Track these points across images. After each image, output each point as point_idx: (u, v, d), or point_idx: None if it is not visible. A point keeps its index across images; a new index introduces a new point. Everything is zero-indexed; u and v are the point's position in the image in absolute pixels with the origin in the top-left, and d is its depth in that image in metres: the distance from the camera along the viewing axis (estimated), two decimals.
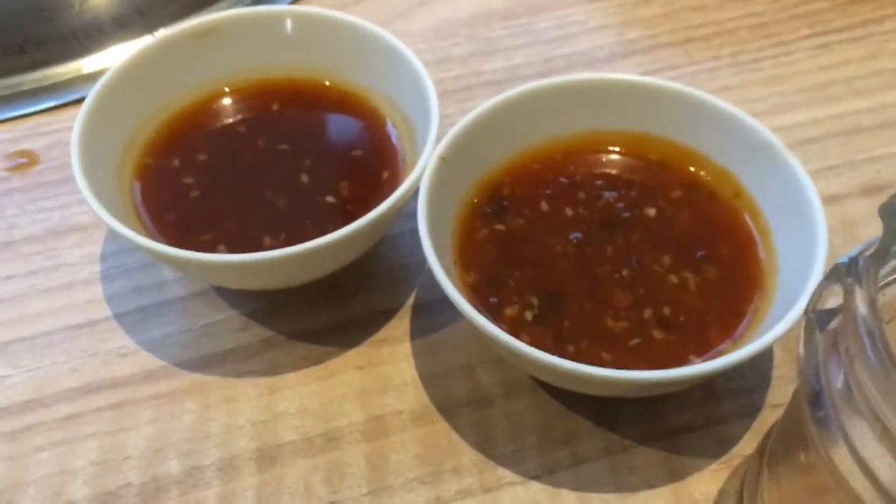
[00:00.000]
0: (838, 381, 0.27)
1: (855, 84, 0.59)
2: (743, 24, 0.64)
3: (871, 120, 0.56)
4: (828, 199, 0.52)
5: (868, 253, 0.28)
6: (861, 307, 0.26)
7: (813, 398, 0.28)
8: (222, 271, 0.42)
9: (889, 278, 0.32)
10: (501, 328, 0.40)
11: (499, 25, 0.65)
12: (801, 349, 0.29)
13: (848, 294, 0.26)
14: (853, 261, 0.27)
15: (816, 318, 0.28)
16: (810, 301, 0.29)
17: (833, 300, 0.29)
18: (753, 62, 0.61)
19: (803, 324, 0.29)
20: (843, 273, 0.28)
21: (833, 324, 0.28)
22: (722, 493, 0.40)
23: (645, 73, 0.61)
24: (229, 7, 0.65)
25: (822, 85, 0.59)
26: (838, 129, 0.56)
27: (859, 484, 0.27)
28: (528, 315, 0.41)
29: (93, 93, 0.47)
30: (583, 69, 0.61)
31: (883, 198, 0.52)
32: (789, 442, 0.34)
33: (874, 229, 0.50)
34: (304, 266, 0.43)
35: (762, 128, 0.44)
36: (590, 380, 0.36)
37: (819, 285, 0.30)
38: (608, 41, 0.63)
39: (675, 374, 0.36)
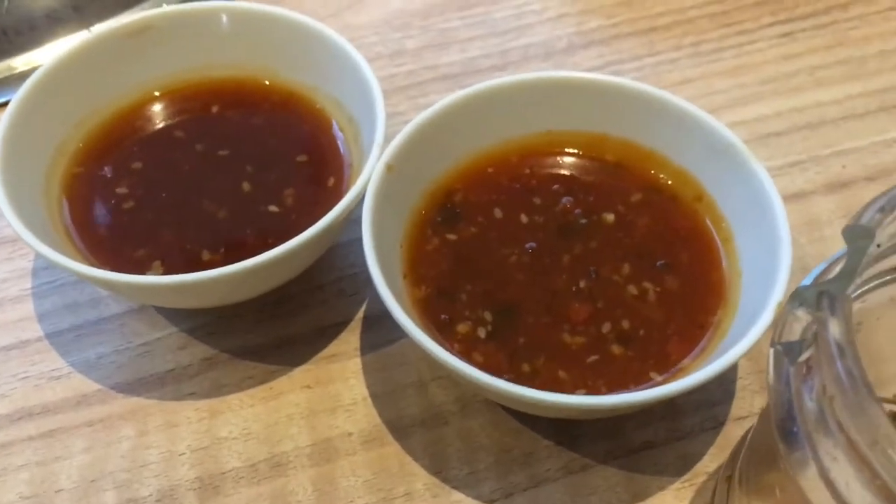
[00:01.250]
0: (811, 413, 0.26)
1: (819, 74, 0.57)
2: (705, 11, 0.62)
3: (835, 112, 0.55)
4: (792, 197, 0.50)
5: (833, 276, 0.27)
6: (837, 340, 0.24)
7: (785, 428, 0.27)
8: (157, 293, 0.40)
9: (856, 293, 0.30)
10: (453, 347, 0.38)
11: (454, 16, 0.62)
12: (772, 379, 0.27)
13: (821, 326, 0.25)
14: (821, 292, 0.25)
15: (784, 349, 0.27)
16: (776, 331, 0.28)
17: (797, 326, 0.28)
18: (715, 52, 0.59)
19: (771, 356, 0.27)
20: (807, 299, 0.26)
21: (804, 355, 0.27)
22: None
23: (605, 65, 0.59)
24: (166, 3, 0.62)
25: (786, 75, 0.57)
26: (802, 123, 0.54)
27: None
28: (482, 332, 0.39)
29: (17, 97, 0.44)
30: (541, 61, 0.59)
31: (849, 194, 0.50)
32: (760, 465, 0.33)
33: (839, 227, 0.49)
34: (244, 284, 0.40)
35: (723, 128, 0.42)
36: (543, 405, 0.34)
37: (783, 312, 0.28)
38: (567, 31, 0.61)
39: (633, 399, 0.34)
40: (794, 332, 0.27)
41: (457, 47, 0.60)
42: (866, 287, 0.30)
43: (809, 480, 0.26)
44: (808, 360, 0.27)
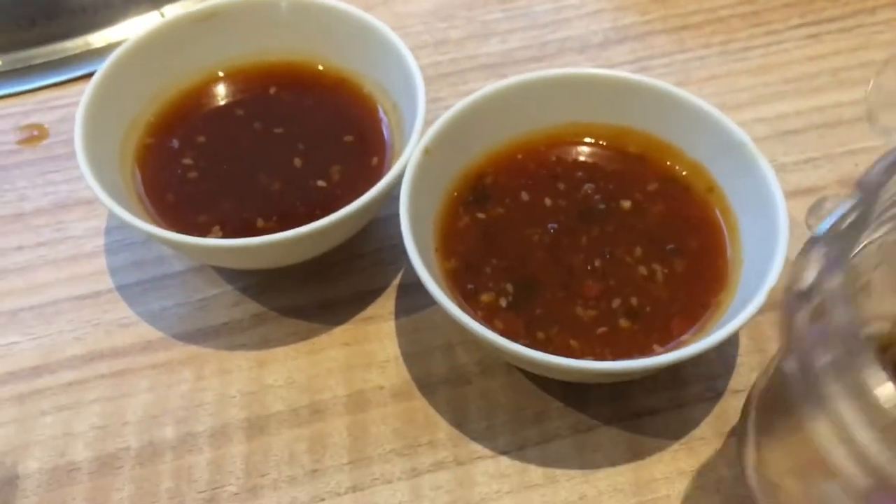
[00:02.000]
0: (817, 358, 0.26)
1: (841, 75, 0.60)
2: (736, 11, 0.65)
3: (852, 112, 0.58)
4: (805, 191, 0.54)
5: (845, 226, 0.29)
6: (834, 290, 0.26)
7: (797, 371, 0.27)
8: (216, 254, 0.45)
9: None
10: (476, 314, 0.43)
11: (497, 8, 0.66)
12: (785, 323, 0.28)
13: (824, 275, 0.26)
14: (830, 238, 0.27)
15: (795, 295, 0.28)
16: (790, 277, 0.29)
17: (810, 273, 0.29)
18: (743, 51, 0.62)
19: (785, 302, 0.29)
20: (816, 247, 0.28)
21: (813, 301, 0.27)
22: (681, 472, 0.43)
23: (636, 60, 0.62)
24: None
25: (809, 76, 0.60)
26: (820, 122, 0.57)
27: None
28: (503, 302, 0.44)
29: (99, 72, 0.49)
30: (576, 54, 0.63)
31: None
32: (773, 412, 0.35)
33: None
34: (293, 249, 0.45)
35: (735, 127, 0.45)
36: (554, 367, 0.38)
37: (798, 259, 0.29)
38: (603, 26, 0.65)
39: (634, 365, 0.38)
40: (806, 279, 0.28)
41: (497, 38, 0.64)
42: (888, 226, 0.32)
43: (818, 425, 0.27)
44: (816, 306, 0.27)
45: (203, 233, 0.47)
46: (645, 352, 0.42)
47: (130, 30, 0.50)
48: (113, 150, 0.49)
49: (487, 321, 0.43)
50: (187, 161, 0.50)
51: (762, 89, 0.60)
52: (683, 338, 0.42)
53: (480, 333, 0.38)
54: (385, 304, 0.49)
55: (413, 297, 0.49)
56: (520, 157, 0.49)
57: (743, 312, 0.39)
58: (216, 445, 0.44)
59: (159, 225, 0.47)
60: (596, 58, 0.62)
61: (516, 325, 0.43)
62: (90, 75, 0.49)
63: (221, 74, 0.54)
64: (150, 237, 0.44)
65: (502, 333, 0.41)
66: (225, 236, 0.47)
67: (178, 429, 0.45)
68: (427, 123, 0.46)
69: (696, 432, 0.44)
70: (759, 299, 0.39)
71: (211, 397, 0.46)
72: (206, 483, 0.43)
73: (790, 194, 0.52)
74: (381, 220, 0.52)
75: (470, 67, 0.62)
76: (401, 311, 0.49)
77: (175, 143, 0.51)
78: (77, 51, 0.63)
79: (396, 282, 0.50)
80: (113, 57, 0.50)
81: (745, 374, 0.46)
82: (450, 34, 0.64)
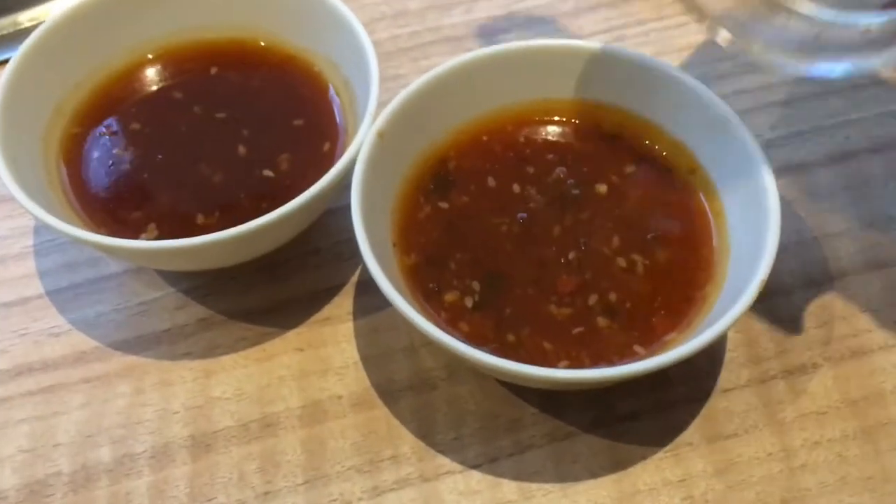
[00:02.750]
0: None
1: None
2: None
3: (841, 81, 0.54)
4: (793, 168, 0.50)
5: None
6: None
7: None
8: (151, 257, 0.41)
9: None
10: (440, 316, 0.39)
11: None
12: None
13: None
14: None
15: None
16: None
17: None
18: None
19: None
20: None
21: None
22: (667, 482, 0.39)
23: (610, 29, 0.58)
24: None
25: None
26: (808, 91, 0.54)
27: None
28: (469, 301, 0.40)
29: (16, 56, 0.44)
30: (545, 25, 0.58)
31: (850, 166, 0.50)
32: None
33: (839, 200, 0.49)
34: (238, 249, 0.41)
35: (719, 101, 0.41)
36: (525, 377, 0.34)
37: None
38: None
39: (614, 373, 0.34)
40: None
41: (461, 8, 0.59)
42: None
43: None
44: None
45: (137, 231, 0.43)
46: (625, 354, 0.38)
47: (57, 10, 0.45)
48: (34, 142, 0.44)
49: (452, 324, 0.39)
50: (119, 152, 0.45)
51: (745, 58, 0.56)
52: (669, 336, 0.39)
53: (442, 340, 0.35)
54: (342, 304, 0.45)
55: (373, 295, 0.45)
56: (485, 138, 0.45)
57: (733, 308, 0.36)
58: (157, 467, 0.40)
59: (87, 225, 0.42)
60: (567, 27, 0.58)
61: (484, 328, 0.39)
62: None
63: (156, 54, 0.49)
64: (75, 241, 0.39)
65: (468, 337, 0.37)
66: (161, 235, 0.42)
67: (114, 450, 0.41)
68: (385, 103, 0.42)
69: (683, 437, 0.41)
70: (749, 293, 0.36)
71: (151, 413, 0.42)
72: None
73: (778, 171, 0.48)
74: (337, 211, 0.48)
75: (431, 41, 0.57)
76: (360, 310, 0.45)
77: (105, 131, 0.46)
78: (3, 31, 0.58)
79: (354, 279, 0.46)
80: (32, 38, 0.45)
81: (735, 371, 0.42)
82: (409, 5, 0.60)
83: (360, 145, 0.40)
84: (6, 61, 0.55)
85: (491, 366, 0.34)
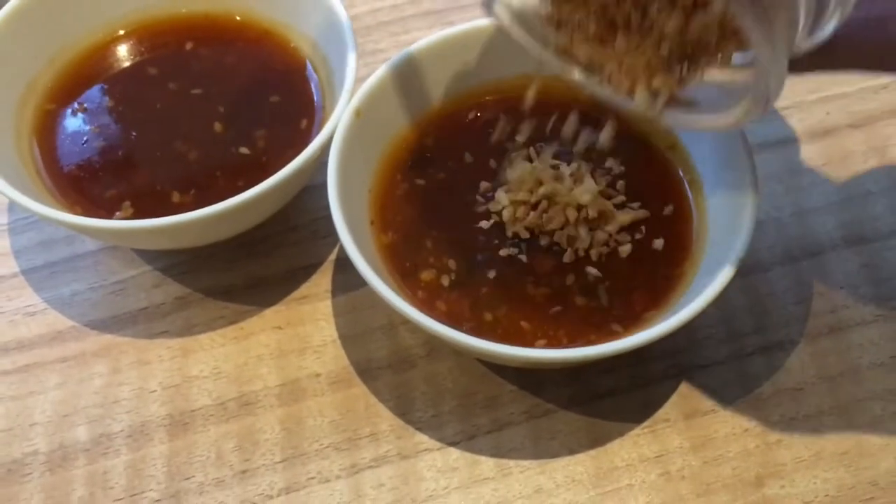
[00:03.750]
0: None
1: None
2: None
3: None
4: (774, 144, 0.50)
5: None
6: None
7: None
8: (126, 236, 0.40)
9: None
10: (416, 295, 0.39)
11: None
12: None
13: None
14: None
15: None
16: None
17: None
18: None
19: None
20: None
21: None
22: (644, 458, 0.39)
23: None
24: None
25: None
26: None
27: None
28: (445, 280, 0.39)
29: None
30: None
31: (830, 142, 0.50)
32: None
33: (819, 176, 0.48)
34: (214, 227, 0.41)
35: None
36: (502, 356, 0.34)
37: None
38: None
39: (591, 352, 0.34)
40: None
41: None
42: None
43: None
44: None
45: (112, 210, 0.42)
46: (603, 332, 0.38)
47: None
48: (6, 119, 0.43)
49: (429, 302, 0.39)
50: (93, 129, 0.45)
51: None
52: (646, 314, 0.39)
53: (418, 320, 0.34)
54: (320, 282, 0.45)
55: (351, 272, 0.44)
56: (465, 115, 0.44)
57: (710, 286, 0.36)
58: (135, 447, 0.40)
59: (61, 203, 0.42)
60: None
61: (461, 306, 0.39)
62: None
63: (130, 29, 0.48)
64: (46, 220, 0.39)
65: (445, 316, 0.37)
66: (136, 213, 0.42)
67: (91, 429, 0.41)
68: (363, 79, 0.42)
69: (660, 413, 0.41)
70: (727, 272, 0.36)
71: (128, 392, 0.42)
72: (123, 489, 0.39)
73: (759, 147, 0.49)
74: (315, 188, 0.47)
75: (412, 14, 0.57)
76: (338, 288, 0.45)
77: (79, 108, 0.46)
78: None
79: (333, 256, 0.46)
80: (3, 13, 0.44)
81: (713, 348, 0.42)
82: None
83: (336, 123, 0.40)
84: None
85: (467, 345, 0.34)
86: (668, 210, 0.41)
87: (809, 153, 0.49)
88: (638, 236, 0.41)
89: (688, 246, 0.40)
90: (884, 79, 0.52)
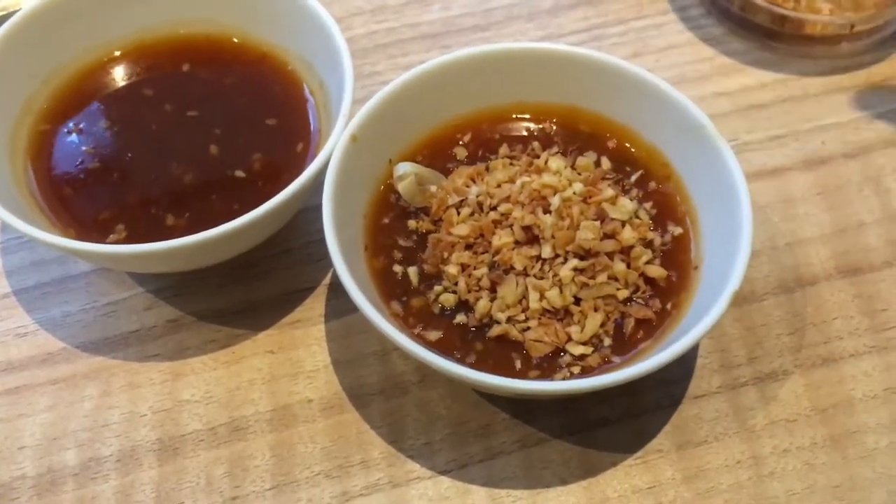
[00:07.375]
0: None
1: None
2: None
3: (819, 85, 0.54)
4: (769, 173, 0.50)
5: None
6: None
7: None
8: (118, 260, 0.40)
9: None
10: (407, 322, 0.39)
11: None
12: None
13: None
14: None
15: None
16: None
17: None
18: (704, 17, 0.58)
19: None
20: None
21: None
22: (636, 489, 0.39)
23: (589, 28, 0.57)
24: None
25: None
26: (786, 95, 0.54)
27: None
28: (437, 308, 0.39)
29: None
30: (524, 22, 0.58)
31: (825, 172, 0.50)
32: None
33: (813, 205, 0.48)
34: (208, 252, 0.41)
35: (694, 107, 0.41)
36: (494, 388, 0.34)
37: None
38: None
39: (585, 385, 0.34)
40: None
41: (439, 5, 0.59)
42: None
43: None
44: None
45: (105, 232, 0.42)
46: (599, 362, 0.38)
47: (28, 2, 0.44)
48: (2, 139, 0.43)
49: (421, 330, 0.38)
50: (87, 150, 0.45)
51: (723, 59, 0.56)
52: (642, 346, 0.38)
53: (408, 348, 0.34)
54: (314, 306, 0.45)
55: (345, 297, 0.44)
56: (458, 139, 0.44)
57: (705, 319, 0.36)
58: (124, 471, 0.40)
59: (55, 225, 0.42)
60: (546, 25, 0.58)
61: (452, 335, 0.39)
62: None
63: (127, 50, 0.48)
64: (38, 242, 0.38)
65: (437, 344, 0.37)
66: (130, 236, 0.42)
67: (80, 453, 0.40)
68: (360, 101, 0.42)
69: (653, 444, 0.41)
70: (721, 305, 0.36)
71: (118, 416, 0.41)
72: None
73: (754, 176, 0.49)
74: (310, 211, 0.47)
75: (410, 37, 0.57)
76: (331, 313, 0.45)
77: (74, 129, 0.45)
78: None
79: (326, 280, 0.46)
80: (0, 31, 0.44)
81: (707, 378, 0.42)
82: (387, 0, 0.59)
83: (332, 148, 0.40)
84: None
85: (458, 375, 0.34)
86: (667, 239, 0.41)
87: (804, 183, 0.49)
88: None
89: (684, 277, 0.40)
90: (879, 108, 0.52)
